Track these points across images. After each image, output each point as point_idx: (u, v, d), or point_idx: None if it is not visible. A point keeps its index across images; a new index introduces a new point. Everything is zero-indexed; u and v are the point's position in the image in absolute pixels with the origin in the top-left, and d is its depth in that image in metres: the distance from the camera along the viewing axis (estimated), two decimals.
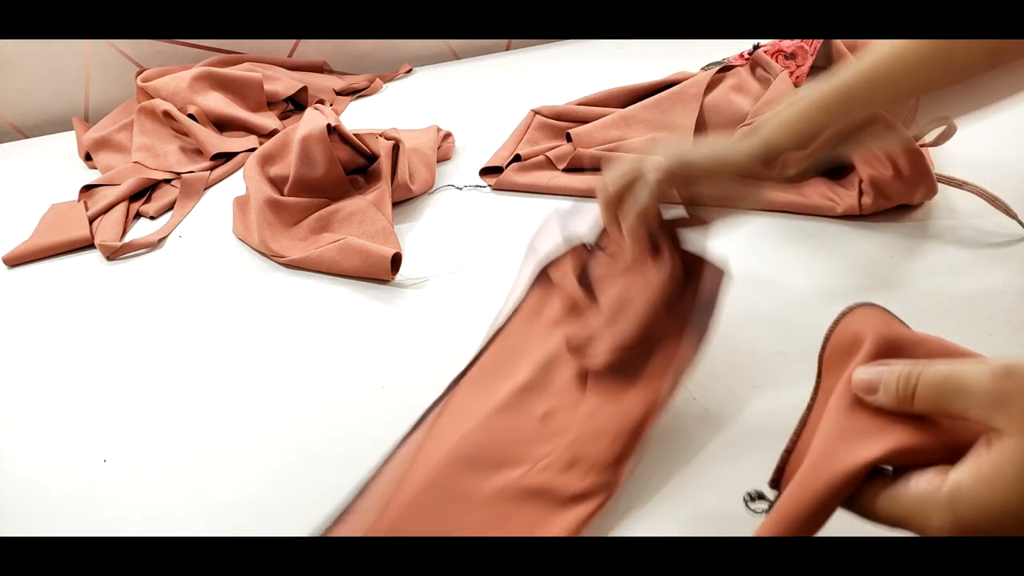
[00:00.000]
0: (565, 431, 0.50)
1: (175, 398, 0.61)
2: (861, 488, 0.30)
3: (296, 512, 0.50)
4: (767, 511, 0.33)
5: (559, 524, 0.46)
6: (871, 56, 0.50)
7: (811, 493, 0.30)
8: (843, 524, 0.44)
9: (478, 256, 0.73)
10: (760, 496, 0.34)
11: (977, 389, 0.27)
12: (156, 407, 0.60)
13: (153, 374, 0.64)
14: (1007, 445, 0.26)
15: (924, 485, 0.28)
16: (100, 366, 0.65)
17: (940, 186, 0.70)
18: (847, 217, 0.70)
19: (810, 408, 0.35)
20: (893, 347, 0.32)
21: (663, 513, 0.47)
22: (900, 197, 0.69)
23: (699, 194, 0.53)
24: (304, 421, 0.57)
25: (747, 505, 0.34)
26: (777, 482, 0.35)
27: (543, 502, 0.47)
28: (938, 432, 0.29)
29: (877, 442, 0.30)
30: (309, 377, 0.61)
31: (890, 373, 0.30)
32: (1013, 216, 0.67)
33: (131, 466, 0.55)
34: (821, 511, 0.30)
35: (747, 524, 0.45)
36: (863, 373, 0.31)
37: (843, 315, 0.34)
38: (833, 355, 0.34)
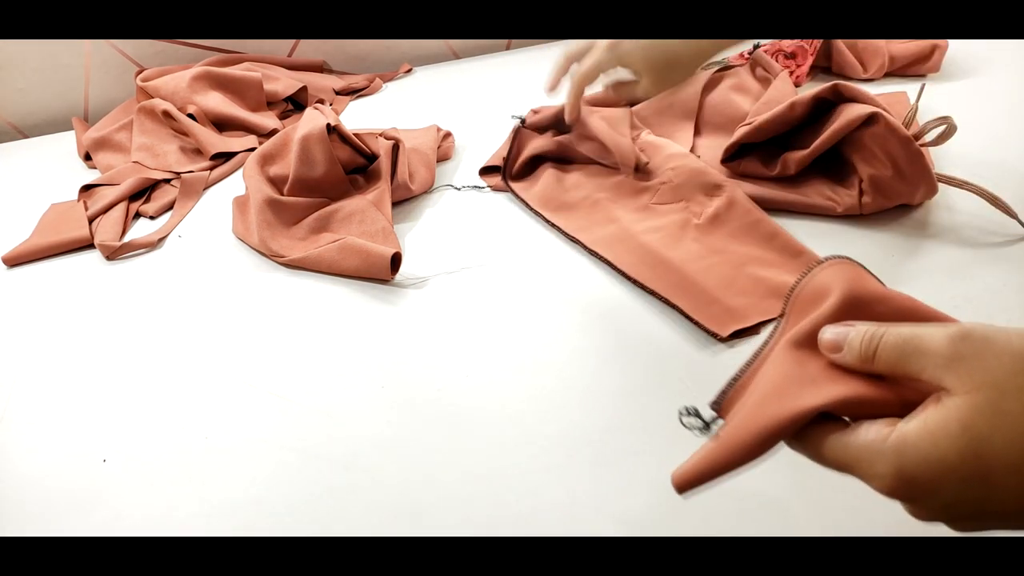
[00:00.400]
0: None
1: (175, 398, 0.61)
2: (813, 431, 0.31)
3: (296, 512, 0.50)
4: (699, 429, 0.35)
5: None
6: None
7: (754, 427, 0.32)
8: (843, 524, 0.45)
9: (478, 256, 0.73)
10: (696, 413, 0.35)
11: (933, 351, 0.28)
12: (156, 407, 0.60)
13: (153, 374, 0.64)
14: (954, 403, 0.27)
15: (873, 434, 0.29)
16: (100, 366, 0.65)
17: (940, 186, 0.70)
18: (847, 217, 0.70)
19: (765, 344, 0.36)
20: (859, 302, 0.33)
21: (661, 512, 0.47)
22: (900, 197, 0.69)
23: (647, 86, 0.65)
24: (304, 421, 0.57)
25: (680, 418, 0.35)
26: (718, 405, 0.36)
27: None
28: (894, 389, 0.30)
29: (829, 390, 0.31)
30: (309, 377, 0.61)
31: (855, 333, 0.31)
32: (1013, 216, 0.67)
33: (131, 466, 0.55)
34: (761, 445, 0.32)
35: (747, 525, 0.45)
36: (828, 333, 0.32)
37: (818, 264, 0.35)
38: (800, 300, 0.35)
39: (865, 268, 0.35)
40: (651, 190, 0.76)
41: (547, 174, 0.82)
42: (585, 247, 0.71)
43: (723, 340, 0.58)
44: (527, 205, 0.79)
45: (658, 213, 0.73)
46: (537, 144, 0.84)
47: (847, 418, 0.31)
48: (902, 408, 0.30)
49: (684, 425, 0.35)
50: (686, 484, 0.33)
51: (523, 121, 0.86)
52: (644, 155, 0.79)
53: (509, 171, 0.84)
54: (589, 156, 0.82)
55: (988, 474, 0.26)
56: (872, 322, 0.31)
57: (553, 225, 0.75)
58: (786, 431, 0.31)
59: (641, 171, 0.78)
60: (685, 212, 0.72)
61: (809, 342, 0.33)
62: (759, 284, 0.63)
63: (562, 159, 0.84)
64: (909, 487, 0.28)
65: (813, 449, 0.31)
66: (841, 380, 0.31)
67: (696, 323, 0.60)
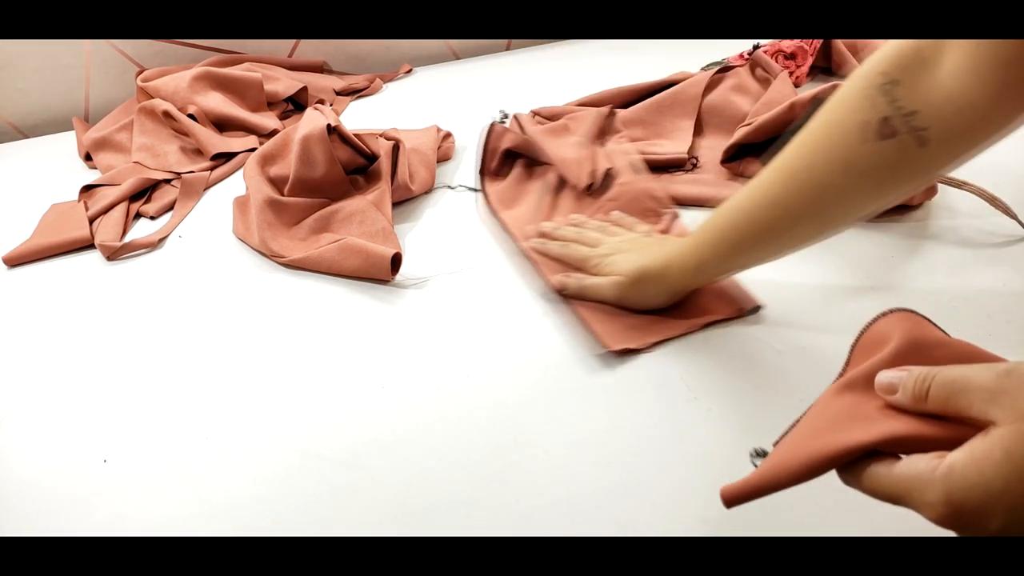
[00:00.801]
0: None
1: (175, 398, 0.61)
2: (865, 464, 0.32)
3: (296, 512, 0.50)
4: None
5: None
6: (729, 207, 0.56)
7: (805, 453, 0.34)
8: (846, 524, 0.45)
9: (478, 256, 0.73)
10: (764, 453, 0.37)
11: (980, 387, 0.30)
12: (156, 407, 0.60)
13: (153, 374, 0.64)
14: (998, 433, 0.28)
15: (923, 464, 0.30)
16: (100, 366, 0.65)
17: (940, 186, 0.70)
18: None
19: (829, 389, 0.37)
20: (918, 347, 0.35)
21: (662, 513, 0.47)
22: None
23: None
24: (304, 421, 0.57)
25: (752, 460, 0.37)
26: None
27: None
28: (947, 428, 0.31)
29: (884, 426, 0.32)
30: (309, 377, 0.61)
31: (908, 375, 0.32)
32: (1013, 216, 0.67)
33: (131, 466, 0.55)
34: (810, 470, 0.33)
35: (747, 526, 0.45)
36: (884, 377, 0.33)
37: (881, 316, 0.37)
38: (861, 348, 0.37)
39: (926, 318, 0.36)
40: (597, 205, 0.76)
41: (513, 174, 0.83)
42: (520, 248, 0.71)
43: (616, 353, 0.59)
44: (488, 204, 0.79)
45: None
46: (509, 139, 0.85)
47: (901, 455, 0.32)
48: (953, 445, 0.30)
49: (755, 466, 0.37)
50: (735, 499, 0.35)
51: (503, 120, 0.87)
52: (599, 174, 0.78)
53: (488, 168, 0.84)
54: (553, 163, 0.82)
55: None
56: (925, 366, 0.32)
57: (500, 224, 0.76)
58: (837, 460, 0.33)
59: (596, 189, 0.77)
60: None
61: (865, 385, 0.35)
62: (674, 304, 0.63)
63: (531, 159, 0.85)
64: (959, 514, 0.29)
65: (865, 480, 0.32)
66: (895, 419, 0.33)
67: (592, 333, 0.60)
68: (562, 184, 0.79)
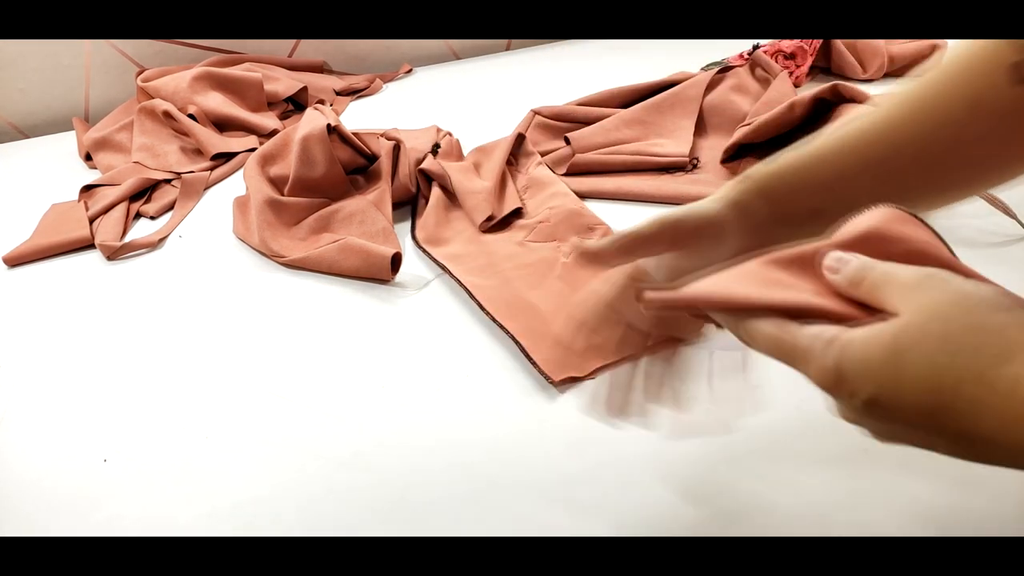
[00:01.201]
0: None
1: (175, 398, 0.61)
2: (773, 321, 0.34)
3: (296, 512, 0.50)
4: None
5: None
6: (847, 127, 0.48)
7: (735, 290, 0.35)
8: (846, 524, 0.45)
9: None
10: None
11: (902, 284, 0.32)
12: (156, 407, 0.60)
13: (153, 374, 0.64)
14: (896, 321, 0.31)
15: (828, 333, 0.32)
16: (100, 366, 0.65)
17: None
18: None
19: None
20: (879, 240, 0.35)
21: (662, 512, 0.47)
22: None
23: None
24: (304, 421, 0.57)
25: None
26: None
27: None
28: (867, 316, 0.33)
29: (811, 295, 0.34)
30: (309, 377, 0.61)
31: (856, 261, 0.34)
32: (1013, 216, 0.67)
33: (131, 466, 0.55)
34: (725, 303, 0.35)
35: (746, 525, 0.45)
36: (834, 256, 0.35)
37: (874, 208, 0.37)
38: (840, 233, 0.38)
39: (918, 218, 0.37)
40: (528, 227, 0.76)
41: (434, 200, 0.81)
42: (454, 277, 0.69)
43: (555, 384, 0.57)
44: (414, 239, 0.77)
45: (530, 251, 0.73)
46: (427, 164, 0.83)
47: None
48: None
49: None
50: (653, 305, 0.37)
51: (435, 150, 0.86)
52: (504, 208, 0.77)
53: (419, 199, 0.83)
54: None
55: (900, 382, 0.29)
56: (872, 258, 0.34)
57: (429, 255, 0.74)
58: (763, 305, 0.34)
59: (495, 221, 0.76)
60: (555, 251, 0.72)
61: (812, 262, 0.36)
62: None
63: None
64: (839, 382, 0.31)
65: (768, 332, 0.34)
66: (825, 295, 0.34)
67: (533, 364, 0.58)
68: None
